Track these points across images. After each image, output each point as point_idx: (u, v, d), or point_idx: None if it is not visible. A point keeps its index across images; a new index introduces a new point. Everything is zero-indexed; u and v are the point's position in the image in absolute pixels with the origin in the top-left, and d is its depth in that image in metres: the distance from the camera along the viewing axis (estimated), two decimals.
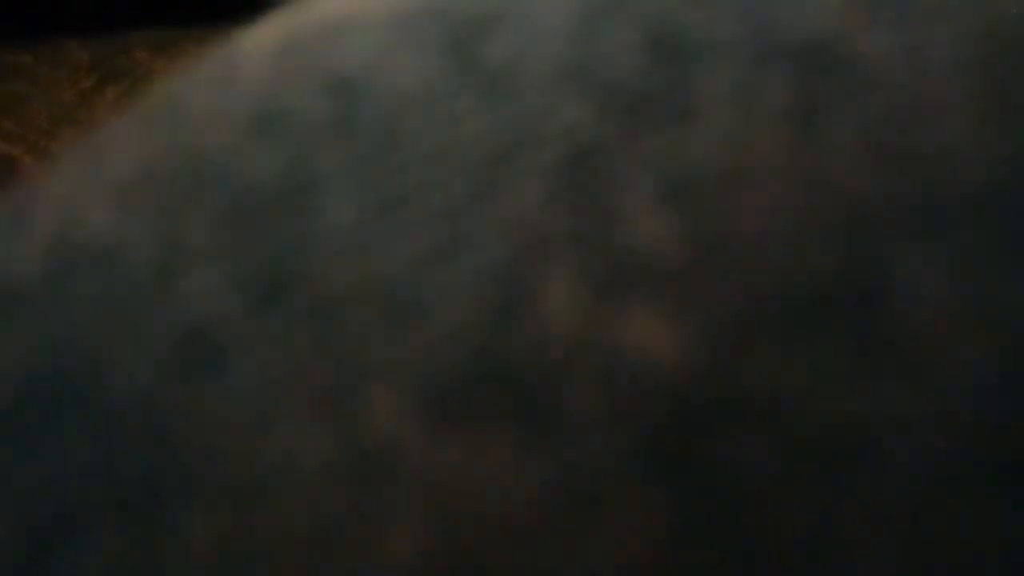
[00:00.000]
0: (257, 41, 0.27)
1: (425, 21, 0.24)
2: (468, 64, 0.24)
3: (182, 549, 0.19)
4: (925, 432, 0.18)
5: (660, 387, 0.19)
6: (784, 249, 0.20)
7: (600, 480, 0.19)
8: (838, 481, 0.18)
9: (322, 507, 0.19)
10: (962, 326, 0.19)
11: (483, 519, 0.19)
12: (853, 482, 0.18)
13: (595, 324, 0.20)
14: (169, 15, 0.72)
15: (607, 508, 0.18)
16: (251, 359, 0.21)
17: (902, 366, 0.19)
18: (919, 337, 0.19)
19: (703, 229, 0.20)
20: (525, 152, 0.22)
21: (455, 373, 0.20)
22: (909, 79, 0.21)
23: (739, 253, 0.20)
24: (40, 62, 0.71)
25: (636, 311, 0.20)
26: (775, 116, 0.21)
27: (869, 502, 0.18)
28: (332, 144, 0.24)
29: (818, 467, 0.18)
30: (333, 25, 0.25)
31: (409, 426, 0.19)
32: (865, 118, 0.21)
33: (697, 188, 0.21)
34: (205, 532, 0.19)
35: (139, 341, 0.22)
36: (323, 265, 0.22)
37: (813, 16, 0.22)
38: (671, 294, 0.20)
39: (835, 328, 0.19)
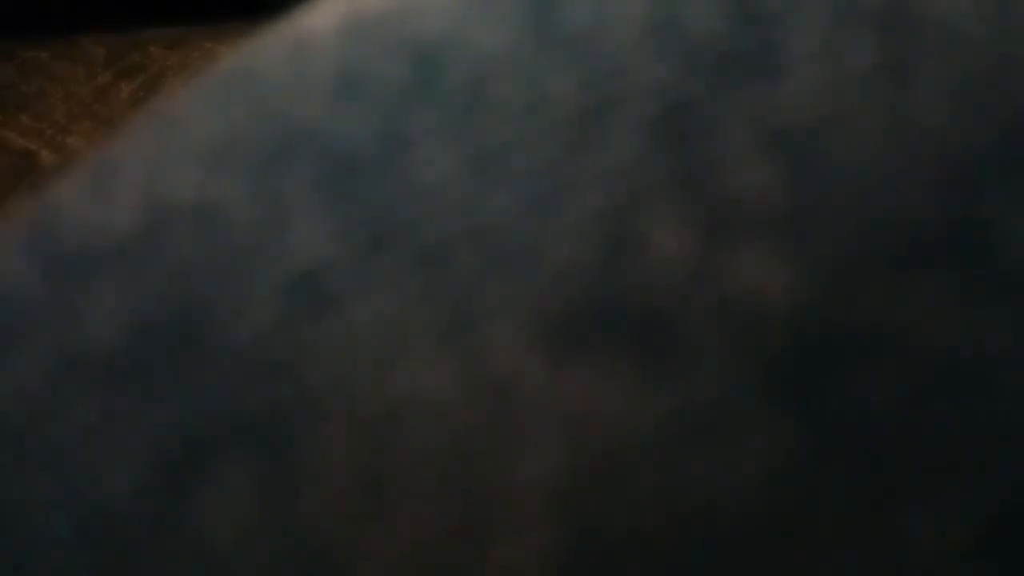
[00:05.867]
0: (324, 13, 0.28)
1: None
2: (548, 27, 0.24)
3: (316, 476, 0.20)
4: None
5: (776, 322, 0.20)
6: (885, 194, 0.21)
7: (723, 407, 0.19)
8: (962, 402, 0.19)
9: (455, 433, 0.20)
10: None
11: (612, 444, 0.19)
12: (978, 403, 0.19)
13: (706, 264, 0.20)
14: (183, 12, 0.73)
15: (732, 432, 0.19)
16: (365, 302, 0.21)
17: (1010, 301, 0.19)
18: (1022, 274, 0.20)
19: (805, 175, 0.21)
20: (617, 108, 0.23)
21: (570, 310, 0.20)
22: (993, 35, 0.22)
23: (843, 198, 0.21)
24: (56, 58, 0.71)
25: (746, 251, 0.20)
26: (864, 71, 0.22)
27: (996, 420, 0.18)
28: (420, 105, 0.24)
29: (940, 391, 0.19)
30: None
31: (531, 360, 0.20)
32: (954, 71, 0.22)
33: (794, 138, 0.21)
34: (341, 459, 0.20)
35: (249, 288, 0.22)
36: (426, 216, 0.22)
37: None
38: (779, 236, 0.20)
39: (941, 267, 0.20)
